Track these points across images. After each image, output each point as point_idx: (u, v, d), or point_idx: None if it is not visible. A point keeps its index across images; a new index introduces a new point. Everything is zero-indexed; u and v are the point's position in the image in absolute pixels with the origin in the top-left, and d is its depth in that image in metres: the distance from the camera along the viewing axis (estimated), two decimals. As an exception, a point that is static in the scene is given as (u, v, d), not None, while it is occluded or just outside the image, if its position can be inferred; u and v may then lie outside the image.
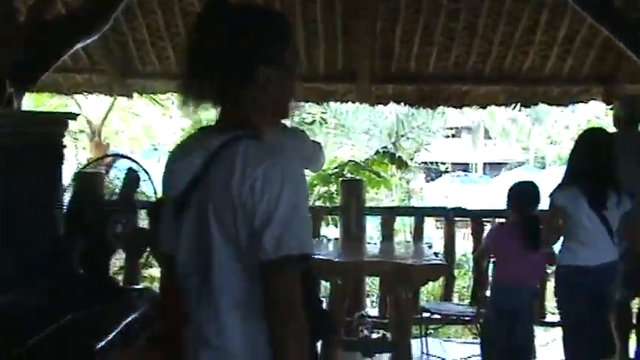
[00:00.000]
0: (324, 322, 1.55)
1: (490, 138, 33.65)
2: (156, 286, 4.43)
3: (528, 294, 3.65)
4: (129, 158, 3.51)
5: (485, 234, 4.35)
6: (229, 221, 1.32)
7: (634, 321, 4.26)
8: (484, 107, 5.74)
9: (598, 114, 11.67)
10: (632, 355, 4.16)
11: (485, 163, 31.76)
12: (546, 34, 4.91)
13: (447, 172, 27.94)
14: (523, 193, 3.62)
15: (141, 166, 3.26)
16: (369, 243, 5.13)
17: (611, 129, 4.22)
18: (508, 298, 3.57)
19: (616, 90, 4.98)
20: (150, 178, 3.24)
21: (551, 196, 3.47)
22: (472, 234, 4.86)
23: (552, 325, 4.69)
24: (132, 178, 3.13)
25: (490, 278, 3.86)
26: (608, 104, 5.00)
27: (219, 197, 1.33)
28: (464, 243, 5.83)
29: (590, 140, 3.55)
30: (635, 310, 4.30)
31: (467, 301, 5.18)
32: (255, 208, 1.29)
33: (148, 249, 3.54)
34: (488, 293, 4.34)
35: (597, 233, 3.39)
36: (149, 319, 2.69)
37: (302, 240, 1.31)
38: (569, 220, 3.41)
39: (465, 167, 31.41)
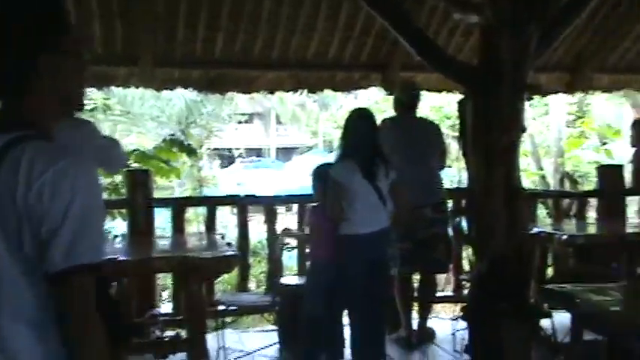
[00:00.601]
0: (122, 327, 1.52)
1: (281, 123, 34.53)
2: None
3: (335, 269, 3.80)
4: None
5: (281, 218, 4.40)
6: (13, 230, 1.21)
7: (415, 294, 4.58)
8: (272, 93, 5.74)
9: (377, 100, 12.45)
10: (415, 326, 4.47)
11: (277, 148, 32.54)
12: (328, 21, 5.02)
13: (241, 157, 28.11)
14: (323, 178, 3.79)
15: None
16: (159, 237, 4.88)
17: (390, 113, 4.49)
18: (330, 274, 3.72)
19: (391, 77, 5.26)
20: None
21: (330, 171, 3.73)
22: (265, 221, 4.84)
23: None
24: None
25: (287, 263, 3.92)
26: (385, 90, 5.28)
27: (2, 204, 1.22)
28: (259, 229, 5.81)
29: (357, 118, 3.89)
30: (415, 284, 4.61)
31: (263, 289, 5.18)
32: (43, 215, 1.20)
33: None
34: (282, 280, 4.37)
35: (371, 202, 3.67)
36: None
37: (95, 248, 1.25)
38: (347, 192, 3.66)
39: (258, 153, 31.89)
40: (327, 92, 5.95)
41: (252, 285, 6.80)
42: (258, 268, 6.59)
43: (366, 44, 5.24)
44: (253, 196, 5.08)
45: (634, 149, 5.20)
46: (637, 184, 5.18)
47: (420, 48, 3.70)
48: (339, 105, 25.64)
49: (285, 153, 30.68)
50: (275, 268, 4.37)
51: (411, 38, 3.75)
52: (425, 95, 5.30)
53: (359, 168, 3.69)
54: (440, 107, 16.62)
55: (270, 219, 4.73)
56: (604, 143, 12.87)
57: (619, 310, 2.46)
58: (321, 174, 3.85)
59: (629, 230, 4.57)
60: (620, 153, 10.42)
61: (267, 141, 33.81)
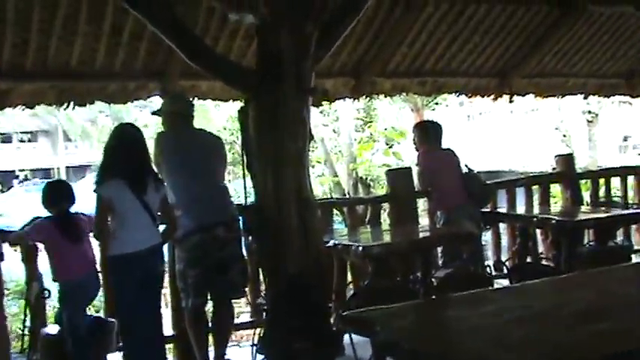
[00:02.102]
0: None
1: (70, 141, 32.49)
2: None
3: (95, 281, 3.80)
4: None
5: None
6: None
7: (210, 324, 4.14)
8: (32, 107, 4.91)
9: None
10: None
11: (68, 167, 30.60)
12: (91, 24, 4.38)
13: (27, 179, 25.75)
14: (57, 191, 3.81)
15: None
16: None
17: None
18: (82, 290, 3.70)
19: (171, 86, 4.76)
20: None
21: (95, 190, 3.60)
22: (23, 259, 4.04)
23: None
24: None
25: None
26: (163, 99, 4.77)
27: None
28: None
29: (125, 133, 3.81)
30: (209, 314, 4.17)
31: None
32: None
33: None
34: (44, 330, 3.69)
35: (142, 219, 3.59)
36: None
37: None
38: (116, 210, 3.57)
39: (46, 173, 29.63)
40: (122, 106, 5.32)
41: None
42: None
43: (139, 50, 4.68)
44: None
45: (418, 152, 5.27)
46: (422, 187, 5.26)
47: (191, 52, 3.30)
48: (134, 118, 24.49)
49: (77, 172, 29.00)
50: (35, 316, 3.66)
51: (180, 42, 3.33)
52: (220, 105, 4.93)
53: (127, 184, 3.57)
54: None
55: (29, 257, 3.94)
56: (390, 146, 13.55)
57: (416, 335, 2.23)
58: (53, 190, 3.81)
59: (421, 234, 4.58)
60: (408, 155, 10.95)
61: (56, 160, 31.62)
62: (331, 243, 4.01)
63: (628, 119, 17.55)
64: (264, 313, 3.93)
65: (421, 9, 5.31)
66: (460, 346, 2.08)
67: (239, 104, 5.34)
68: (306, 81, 3.21)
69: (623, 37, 6.40)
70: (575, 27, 6.05)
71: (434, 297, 3.52)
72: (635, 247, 5.98)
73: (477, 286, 3.06)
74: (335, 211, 5.32)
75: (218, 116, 15.65)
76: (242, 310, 5.29)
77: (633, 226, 6.03)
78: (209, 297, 4.10)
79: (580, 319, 2.19)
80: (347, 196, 11.01)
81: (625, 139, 18.79)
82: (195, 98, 4.91)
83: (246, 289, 4.34)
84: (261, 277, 4.37)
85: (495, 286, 3.78)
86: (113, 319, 3.87)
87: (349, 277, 4.70)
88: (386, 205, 5.59)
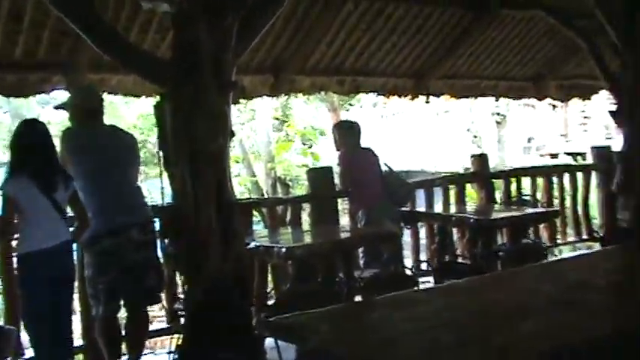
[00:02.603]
0: None
1: (-34, 138, 30.50)
2: None
3: None
4: None
5: None
6: None
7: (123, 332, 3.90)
8: None
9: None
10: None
11: (-39, 167, 28.60)
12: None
13: None
14: None
15: None
16: None
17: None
18: None
19: (78, 79, 4.45)
20: None
21: (1, 188, 3.48)
22: None
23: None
24: None
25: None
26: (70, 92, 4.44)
27: None
28: None
29: (33, 130, 3.63)
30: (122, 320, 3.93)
31: None
32: None
33: None
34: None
35: (50, 216, 3.47)
36: None
37: None
38: (23, 208, 3.44)
39: None
40: (21, 101, 4.97)
41: None
42: None
43: (42, 39, 4.34)
44: None
45: (339, 152, 5.21)
46: (344, 186, 5.20)
47: (102, 41, 3.06)
48: (37, 114, 23.26)
49: (-25, 171, 27.05)
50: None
51: (89, 30, 3.09)
52: (130, 102, 4.68)
53: (34, 182, 3.43)
54: (148, 114, 15.81)
55: None
56: (310, 146, 13.49)
57: (345, 341, 2.13)
58: None
59: (343, 235, 4.51)
60: (327, 155, 10.91)
61: (-53, 160, 29.57)
62: (252, 245, 3.86)
63: (532, 121, 18.40)
64: (181, 319, 3.74)
65: (340, 6, 5.26)
66: (392, 350, 2.00)
67: (152, 100, 5.14)
68: (227, 74, 3.05)
69: (532, 41, 6.63)
70: (488, 30, 6.21)
71: (360, 299, 3.46)
72: (545, 245, 6.19)
73: (402, 286, 3.02)
74: (254, 212, 5.17)
75: (128, 113, 15.02)
76: (156, 315, 5.05)
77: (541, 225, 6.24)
78: (122, 303, 3.85)
79: (510, 318, 2.17)
80: (266, 196, 10.84)
81: (529, 140, 19.69)
82: (105, 93, 4.63)
83: (162, 294, 4.12)
84: (178, 281, 4.17)
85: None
86: (12, 327, 3.58)
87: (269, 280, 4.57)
88: (306, 205, 5.50)
